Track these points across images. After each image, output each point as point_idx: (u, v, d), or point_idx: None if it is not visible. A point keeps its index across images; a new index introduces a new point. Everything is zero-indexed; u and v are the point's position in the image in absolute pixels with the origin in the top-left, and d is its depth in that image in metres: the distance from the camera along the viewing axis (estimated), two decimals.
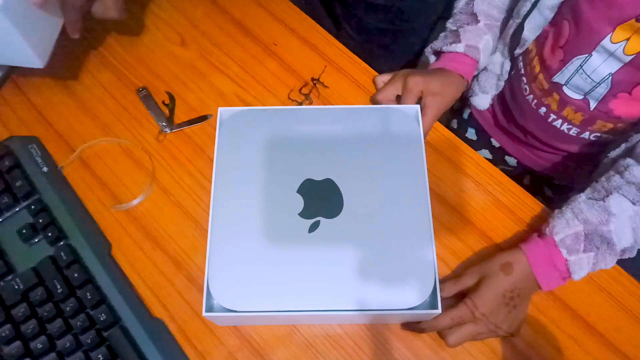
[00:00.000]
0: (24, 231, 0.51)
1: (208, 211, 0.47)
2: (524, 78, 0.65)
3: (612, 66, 0.53)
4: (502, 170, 0.59)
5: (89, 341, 0.47)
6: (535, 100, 0.64)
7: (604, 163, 0.57)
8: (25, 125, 0.60)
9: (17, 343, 0.47)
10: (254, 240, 0.46)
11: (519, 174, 0.81)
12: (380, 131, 0.51)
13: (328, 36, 0.66)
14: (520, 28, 0.60)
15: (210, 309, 0.44)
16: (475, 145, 0.65)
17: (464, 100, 0.75)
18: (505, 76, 0.67)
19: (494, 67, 0.67)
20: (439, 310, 0.44)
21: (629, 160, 0.50)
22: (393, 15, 0.81)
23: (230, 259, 0.45)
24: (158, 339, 0.48)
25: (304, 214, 0.47)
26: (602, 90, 0.56)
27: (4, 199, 0.52)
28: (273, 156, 0.50)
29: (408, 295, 0.44)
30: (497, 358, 0.49)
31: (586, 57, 0.55)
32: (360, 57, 0.65)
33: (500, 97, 0.72)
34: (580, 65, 0.56)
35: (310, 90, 0.62)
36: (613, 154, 0.55)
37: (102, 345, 0.47)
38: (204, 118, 0.60)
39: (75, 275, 0.49)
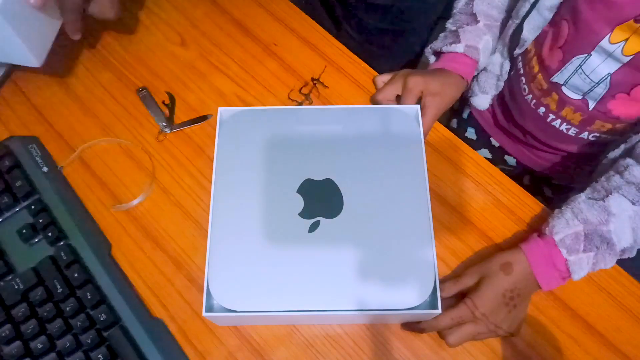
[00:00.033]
0: (24, 231, 0.51)
1: (208, 211, 0.47)
2: (522, 78, 0.65)
3: (611, 66, 0.53)
4: (502, 170, 0.59)
5: (89, 341, 0.47)
6: (534, 100, 0.64)
7: (603, 164, 0.57)
8: (25, 125, 0.60)
9: (17, 343, 0.47)
10: (254, 240, 0.46)
11: (518, 174, 0.81)
12: (380, 131, 0.51)
13: (328, 36, 0.66)
14: (519, 28, 0.60)
15: (210, 309, 0.44)
16: (474, 145, 0.65)
17: (463, 100, 0.75)
18: (505, 76, 0.67)
19: (494, 68, 0.67)
20: (439, 310, 0.44)
21: (629, 160, 0.50)
22: (393, 16, 0.81)
23: (230, 259, 0.45)
24: (158, 339, 0.48)
25: (304, 214, 0.47)
26: (600, 90, 0.56)
27: (4, 199, 0.52)
28: (273, 156, 0.50)
29: (408, 295, 0.44)
30: (497, 358, 0.49)
31: (585, 56, 0.55)
32: (360, 57, 0.65)
33: (500, 97, 0.72)
34: (579, 65, 0.56)
35: (310, 90, 0.62)
36: (612, 154, 0.55)
37: (102, 345, 0.47)
38: (204, 118, 0.60)
39: (75, 275, 0.49)
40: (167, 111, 0.61)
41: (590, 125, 0.61)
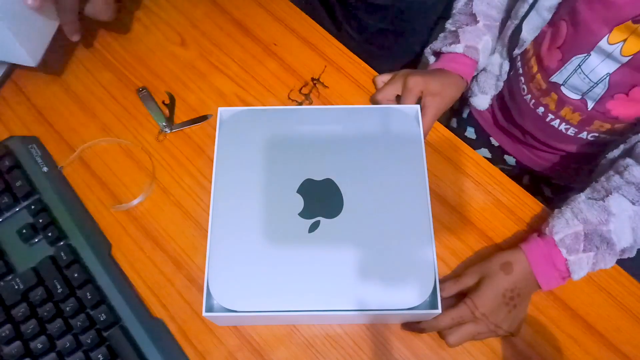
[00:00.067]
0: (24, 231, 0.51)
1: (208, 211, 0.47)
2: (521, 78, 0.65)
3: (610, 67, 0.53)
4: (501, 169, 0.59)
5: (89, 341, 0.47)
6: (533, 100, 0.64)
7: (602, 164, 0.57)
8: (25, 125, 0.60)
9: (17, 343, 0.47)
10: (254, 240, 0.46)
11: (518, 174, 0.81)
12: (380, 131, 0.51)
13: (328, 36, 0.66)
14: (518, 29, 0.60)
15: (210, 309, 0.44)
16: (474, 144, 0.65)
17: (463, 100, 0.75)
18: (504, 77, 0.67)
19: (493, 68, 0.67)
20: (439, 310, 0.44)
21: (629, 160, 0.50)
22: (393, 16, 0.81)
23: (230, 259, 0.45)
24: (158, 339, 0.48)
25: (304, 214, 0.47)
26: (599, 90, 0.56)
27: (4, 199, 0.52)
28: (273, 156, 0.50)
29: (408, 295, 0.44)
30: (497, 358, 0.49)
31: (585, 56, 0.55)
32: (360, 58, 0.65)
33: (499, 97, 0.72)
34: (578, 64, 0.56)
35: (310, 90, 0.62)
36: (611, 154, 0.55)
37: (102, 345, 0.47)
38: (204, 118, 0.60)
39: (75, 275, 0.49)
40: (167, 111, 0.61)
41: (589, 125, 0.61)
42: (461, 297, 0.49)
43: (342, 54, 0.65)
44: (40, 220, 0.51)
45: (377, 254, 0.45)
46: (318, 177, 0.48)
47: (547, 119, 0.64)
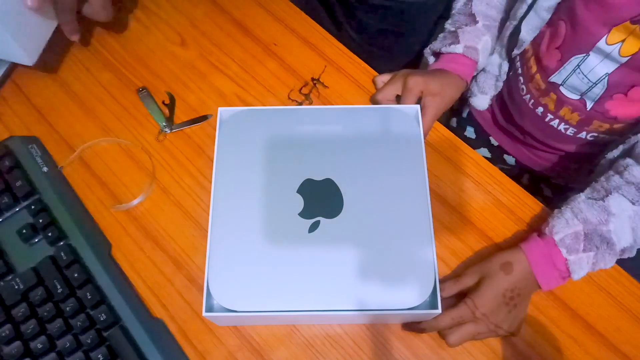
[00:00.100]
0: (24, 231, 0.51)
1: (208, 211, 0.47)
2: (521, 78, 0.65)
3: (609, 67, 0.53)
4: (501, 169, 0.59)
5: (89, 341, 0.47)
6: (533, 100, 0.64)
7: (601, 164, 0.57)
8: (25, 125, 0.60)
9: (17, 343, 0.47)
10: (254, 240, 0.46)
11: (517, 173, 0.81)
12: (380, 131, 0.51)
13: (328, 36, 0.66)
14: (517, 29, 0.60)
15: (210, 309, 0.44)
16: (473, 144, 0.65)
17: (463, 100, 0.75)
18: (504, 77, 0.67)
19: (492, 69, 0.67)
20: (439, 310, 0.44)
21: (629, 160, 0.50)
22: (393, 16, 0.81)
23: (230, 259, 0.45)
24: (158, 339, 0.48)
25: (304, 214, 0.47)
26: (598, 90, 0.56)
27: (4, 199, 0.52)
28: (273, 156, 0.50)
29: (408, 295, 0.44)
30: (497, 358, 0.49)
31: (584, 56, 0.55)
32: (360, 58, 0.65)
33: (499, 97, 0.72)
34: (577, 64, 0.56)
35: (310, 90, 0.62)
36: (610, 155, 0.55)
37: (102, 345, 0.47)
38: (204, 118, 0.60)
39: (75, 275, 0.49)
40: (167, 111, 0.61)
41: (588, 125, 0.61)
42: (461, 297, 0.49)
43: (342, 54, 0.65)
44: (40, 220, 0.51)
45: (377, 254, 0.45)
46: (318, 177, 0.48)
47: (546, 119, 0.64)
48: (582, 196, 0.50)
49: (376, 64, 0.65)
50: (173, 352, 0.49)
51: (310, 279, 0.45)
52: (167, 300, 0.51)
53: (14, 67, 0.62)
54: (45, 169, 0.55)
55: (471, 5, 0.63)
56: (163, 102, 0.61)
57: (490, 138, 0.80)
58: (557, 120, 0.63)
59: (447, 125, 0.70)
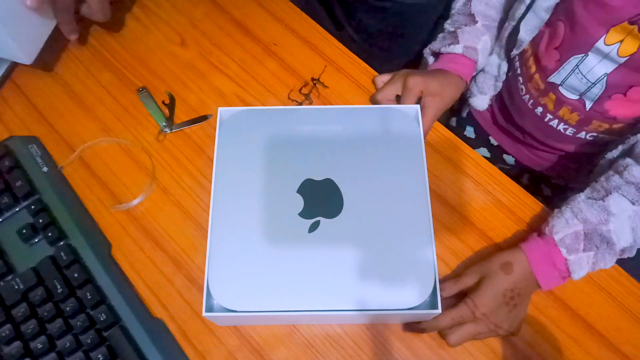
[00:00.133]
0: (24, 231, 0.51)
1: (208, 211, 0.47)
2: (520, 78, 0.65)
3: (607, 67, 0.53)
4: (500, 169, 0.59)
5: (89, 341, 0.47)
6: (532, 100, 0.64)
7: (600, 164, 0.57)
8: (25, 125, 0.60)
9: (17, 343, 0.47)
10: (254, 240, 0.46)
11: (517, 173, 0.81)
12: (380, 131, 0.51)
13: (328, 36, 0.66)
14: (516, 30, 0.60)
15: (210, 309, 0.44)
16: (473, 144, 0.65)
17: (462, 99, 0.75)
18: (503, 77, 0.67)
19: (491, 69, 0.67)
20: (439, 310, 0.44)
21: (628, 160, 0.50)
22: (393, 17, 0.81)
23: (230, 259, 0.45)
24: (158, 339, 0.48)
25: (304, 214, 0.47)
26: (597, 90, 0.56)
27: (4, 199, 0.52)
28: (273, 156, 0.50)
29: (408, 295, 0.44)
30: (497, 358, 0.50)
31: (582, 57, 0.55)
32: (360, 58, 0.65)
33: (498, 97, 0.72)
34: (576, 65, 0.56)
35: (310, 90, 0.62)
36: (610, 155, 0.55)
37: (102, 345, 0.47)
38: (204, 118, 0.60)
39: (75, 275, 0.49)
40: (167, 111, 0.61)
41: (587, 125, 0.61)
42: (461, 297, 0.49)
43: (342, 54, 0.65)
44: (40, 220, 0.51)
45: (377, 254, 0.45)
46: (318, 177, 0.48)
47: (546, 119, 0.64)
48: (582, 196, 0.50)
49: (376, 64, 0.65)
50: (173, 352, 0.49)
51: (310, 279, 0.45)
52: (167, 300, 0.51)
53: (14, 67, 0.62)
54: (45, 169, 0.55)
55: (470, 5, 0.63)
56: (163, 102, 0.61)
57: (490, 138, 0.80)
58: (556, 120, 0.63)
59: (447, 125, 0.70)
